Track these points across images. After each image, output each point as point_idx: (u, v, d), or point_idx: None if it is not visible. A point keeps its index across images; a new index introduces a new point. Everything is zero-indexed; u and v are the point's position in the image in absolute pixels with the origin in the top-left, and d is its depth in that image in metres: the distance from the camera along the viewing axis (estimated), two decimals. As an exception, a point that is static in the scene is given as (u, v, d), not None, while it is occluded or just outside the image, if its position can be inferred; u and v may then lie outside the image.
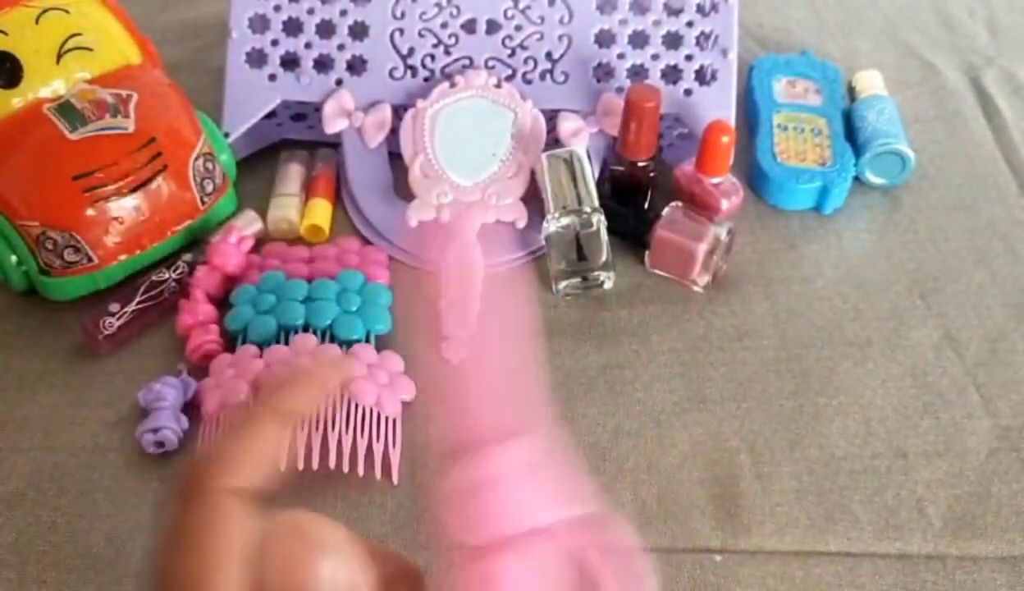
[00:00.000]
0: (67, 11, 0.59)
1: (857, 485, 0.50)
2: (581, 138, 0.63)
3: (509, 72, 0.65)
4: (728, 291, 0.60)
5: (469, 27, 0.65)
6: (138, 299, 0.56)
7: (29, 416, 0.53)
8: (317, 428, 0.49)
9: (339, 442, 0.49)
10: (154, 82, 0.61)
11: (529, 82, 0.65)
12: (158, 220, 0.58)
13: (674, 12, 0.64)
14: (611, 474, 0.50)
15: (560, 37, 0.64)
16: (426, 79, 0.65)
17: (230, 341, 0.55)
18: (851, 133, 0.67)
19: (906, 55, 0.78)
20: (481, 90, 0.63)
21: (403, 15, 0.65)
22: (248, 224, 0.62)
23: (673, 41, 0.65)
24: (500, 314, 0.32)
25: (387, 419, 0.51)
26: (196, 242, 0.60)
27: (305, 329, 0.55)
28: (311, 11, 0.65)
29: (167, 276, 0.58)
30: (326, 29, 0.65)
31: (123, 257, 0.57)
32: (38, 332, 0.57)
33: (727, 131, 0.59)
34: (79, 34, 0.59)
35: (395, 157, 0.65)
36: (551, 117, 0.64)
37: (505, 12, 0.64)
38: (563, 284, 0.59)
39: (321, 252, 0.61)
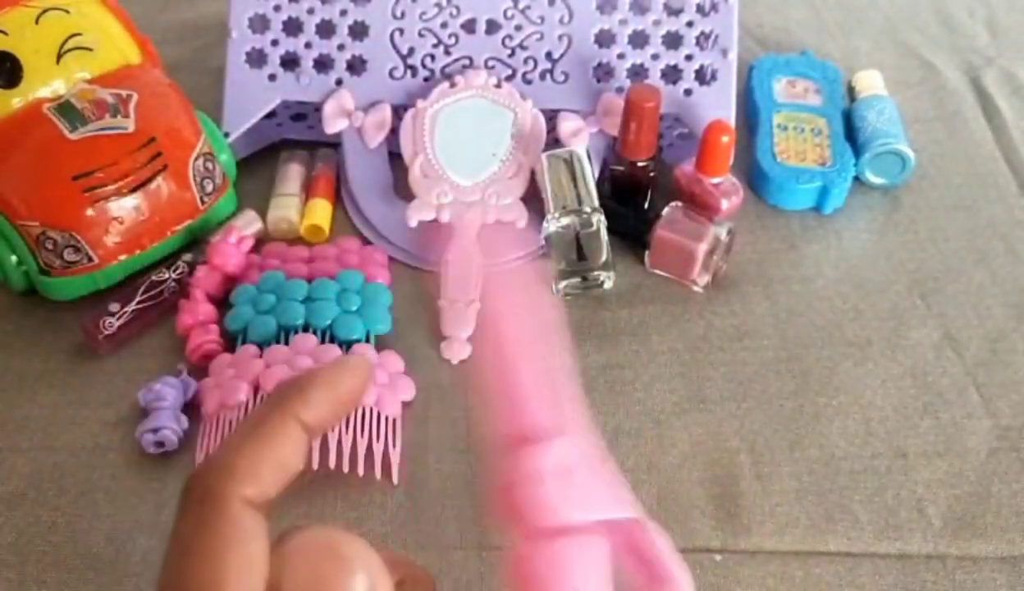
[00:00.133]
0: (67, 11, 0.59)
1: (857, 485, 0.50)
2: (581, 138, 0.63)
3: (509, 72, 0.65)
4: (728, 291, 0.60)
5: (469, 27, 0.65)
6: (138, 299, 0.56)
7: (29, 416, 0.53)
8: (317, 428, 0.49)
9: (339, 442, 0.49)
10: (154, 82, 0.61)
11: (529, 82, 0.65)
12: (158, 220, 0.58)
13: (674, 12, 0.64)
14: (611, 474, 0.50)
15: (560, 37, 0.64)
16: (426, 79, 0.65)
17: (230, 341, 0.55)
18: (851, 133, 0.67)
19: (906, 55, 0.78)
20: (481, 90, 0.63)
21: (403, 15, 0.65)
22: (248, 224, 0.62)
23: (673, 41, 0.65)
24: (531, 309, 0.33)
25: (387, 419, 0.51)
26: (196, 242, 0.60)
27: (305, 329, 0.55)
28: (311, 11, 0.65)
29: (167, 276, 0.58)
30: (326, 29, 0.65)
31: (123, 257, 0.57)
32: (38, 332, 0.57)
33: (727, 131, 0.59)
34: (79, 34, 0.59)
35: (395, 157, 0.65)
36: (551, 117, 0.64)
37: (505, 12, 0.64)
38: (563, 284, 0.59)
39: (321, 252, 0.61)
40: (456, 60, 0.65)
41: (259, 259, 0.60)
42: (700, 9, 0.64)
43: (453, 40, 0.65)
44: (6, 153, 0.55)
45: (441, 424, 0.53)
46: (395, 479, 0.50)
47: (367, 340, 0.55)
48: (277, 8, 0.65)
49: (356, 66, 0.65)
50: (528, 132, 0.63)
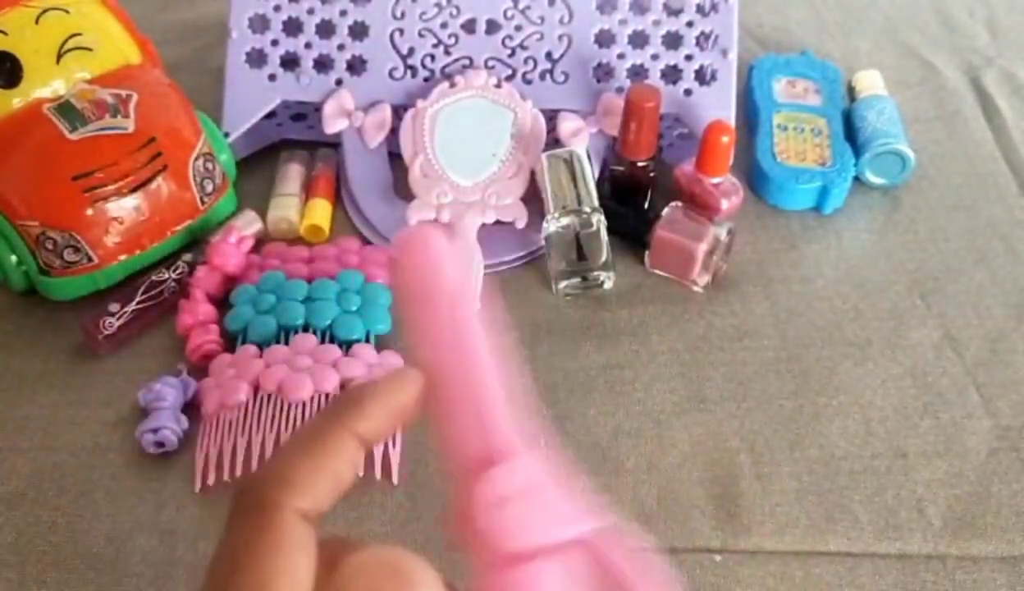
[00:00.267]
0: (67, 11, 0.59)
1: (857, 485, 0.50)
2: (581, 138, 0.63)
3: (509, 72, 0.65)
4: (728, 291, 0.60)
5: (469, 27, 0.65)
6: (138, 299, 0.56)
7: (29, 416, 0.53)
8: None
9: (339, 442, 0.49)
10: (154, 82, 0.61)
11: (529, 82, 0.65)
12: (158, 220, 0.58)
13: (674, 12, 0.64)
14: (611, 474, 0.50)
15: (560, 37, 0.64)
16: (426, 79, 0.65)
17: (230, 341, 0.55)
18: (851, 133, 0.67)
19: (906, 55, 0.78)
20: (481, 90, 0.63)
21: (403, 15, 0.65)
22: (248, 224, 0.62)
23: (673, 41, 0.65)
24: (482, 331, 0.31)
25: (387, 419, 0.51)
26: (196, 242, 0.60)
27: (305, 329, 0.55)
28: (311, 11, 0.65)
29: (167, 276, 0.58)
30: (326, 29, 0.65)
31: (123, 257, 0.57)
32: (38, 332, 0.57)
33: (727, 131, 0.59)
34: (79, 34, 0.59)
35: (395, 157, 0.65)
36: (551, 117, 0.64)
37: (505, 12, 0.64)
38: (563, 284, 0.59)
39: (321, 252, 0.61)
40: (456, 60, 0.65)
41: (259, 259, 0.60)
42: (700, 9, 0.64)
43: (453, 40, 0.65)
44: (6, 153, 0.55)
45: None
46: (395, 479, 0.50)
47: (367, 340, 0.55)
48: (277, 8, 0.65)
49: (356, 66, 0.65)
50: (528, 132, 0.63)
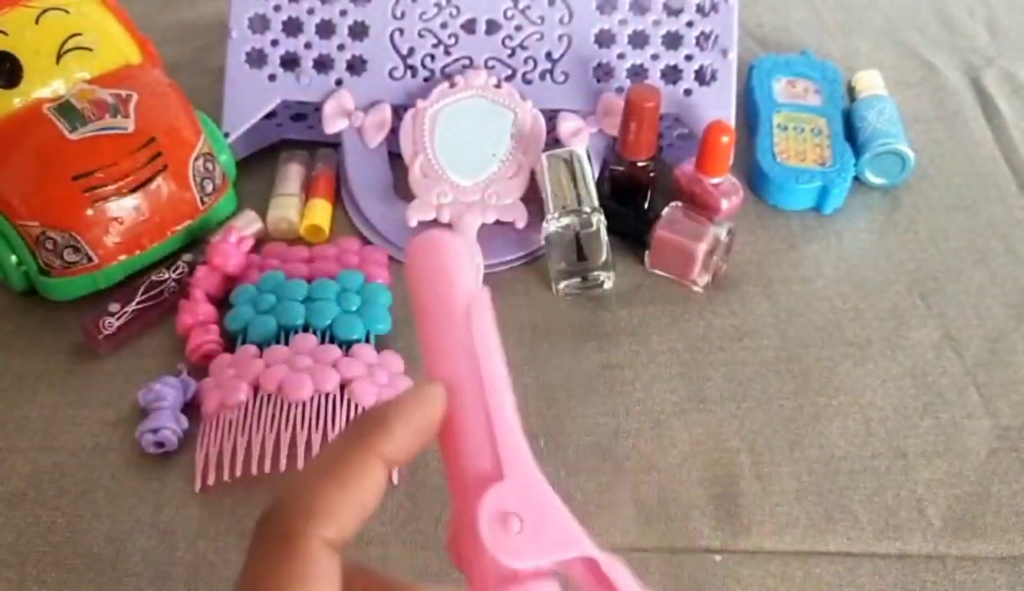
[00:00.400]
0: (67, 11, 0.59)
1: (857, 485, 0.50)
2: (581, 138, 0.63)
3: (509, 72, 0.65)
4: (728, 291, 0.60)
5: (469, 27, 0.65)
6: (138, 299, 0.56)
7: (29, 416, 0.53)
8: (317, 428, 0.49)
9: (339, 442, 0.49)
10: (154, 82, 0.61)
11: (529, 82, 0.65)
12: (158, 220, 0.58)
13: (674, 12, 0.64)
14: (611, 474, 0.50)
15: (560, 37, 0.64)
16: (426, 79, 0.65)
17: (230, 341, 0.55)
18: (851, 133, 0.67)
19: (906, 55, 0.78)
20: (481, 90, 0.63)
21: (403, 15, 0.65)
22: (248, 224, 0.62)
23: (673, 41, 0.65)
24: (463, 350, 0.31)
25: (387, 419, 0.51)
26: (196, 242, 0.60)
27: (305, 329, 0.55)
28: (311, 11, 0.65)
29: (167, 276, 0.58)
30: (326, 29, 0.65)
31: (123, 257, 0.57)
32: (38, 332, 0.57)
33: (727, 131, 0.59)
34: (79, 34, 0.59)
35: (395, 157, 0.65)
36: (551, 117, 0.64)
37: (505, 12, 0.64)
38: (563, 284, 0.59)
39: (321, 252, 0.61)
40: (456, 60, 0.65)
41: (259, 259, 0.60)
42: (700, 9, 0.64)
43: (453, 40, 0.65)
44: (6, 153, 0.55)
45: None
46: (395, 479, 0.50)
47: (367, 340, 0.55)
48: (277, 8, 0.65)
49: (356, 66, 0.65)
50: (528, 132, 0.63)
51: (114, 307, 0.56)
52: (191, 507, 0.49)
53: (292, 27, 0.65)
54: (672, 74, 0.65)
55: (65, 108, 0.56)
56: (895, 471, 0.51)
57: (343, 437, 0.26)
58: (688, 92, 0.64)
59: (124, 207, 0.56)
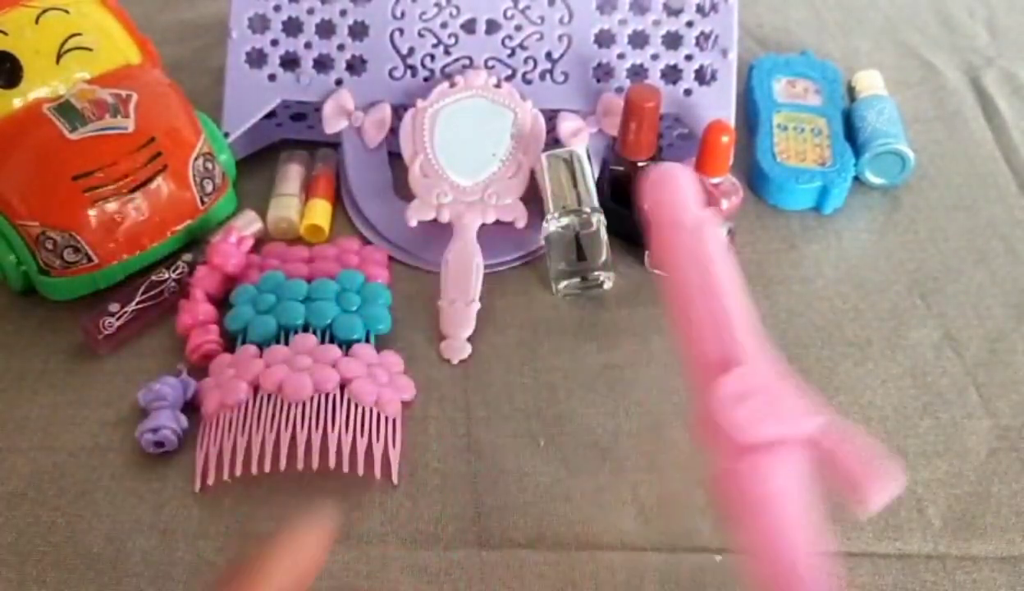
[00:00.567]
0: (67, 11, 0.59)
1: (857, 485, 0.50)
2: (581, 138, 0.63)
3: (509, 72, 0.65)
4: (728, 291, 0.60)
5: (469, 27, 0.65)
6: (138, 299, 0.56)
7: (29, 416, 0.53)
8: (317, 428, 0.49)
9: (339, 442, 0.49)
10: (154, 82, 0.61)
11: (529, 82, 0.65)
12: (158, 220, 0.58)
13: (674, 12, 0.64)
14: (611, 474, 0.50)
15: (560, 37, 0.64)
16: (426, 79, 0.65)
17: (230, 341, 0.55)
18: (851, 133, 0.67)
19: (906, 55, 0.78)
20: (481, 90, 0.63)
21: (403, 15, 0.65)
22: (248, 224, 0.62)
23: (673, 41, 0.65)
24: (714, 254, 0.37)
25: (387, 419, 0.51)
26: (196, 242, 0.60)
27: (305, 329, 0.55)
28: (311, 11, 0.65)
29: (167, 276, 0.58)
30: (326, 29, 0.65)
31: (123, 257, 0.57)
32: (38, 332, 0.57)
33: (727, 131, 0.59)
34: (79, 34, 0.59)
35: (395, 157, 0.65)
36: (551, 117, 0.64)
37: (505, 12, 0.64)
38: (563, 284, 0.59)
39: (321, 252, 0.61)
40: (456, 60, 0.65)
41: (259, 259, 0.60)
42: (700, 9, 0.64)
43: (453, 40, 0.65)
44: (6, 153, 0.55)
45: (441, 424, 0.53)
46: (395, 479, 0.50)
47: (367, 340, 0.55)
48: (277, 8, 0.65)
49: (356, 66, 0.65)
50: (528, 132, 0.63)
51: (114, 307, 0.56)
52: (191, 507, 0.49)
53: (292, 27, 0.65)
54: (672, 74, 0.65)
55: (65, 108, 0.56)
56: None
57: (222, 585, 0.27)
58: (688, 92, 0.64)
59: (124, 207, 0.56)
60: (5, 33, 0.57)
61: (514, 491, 0.50)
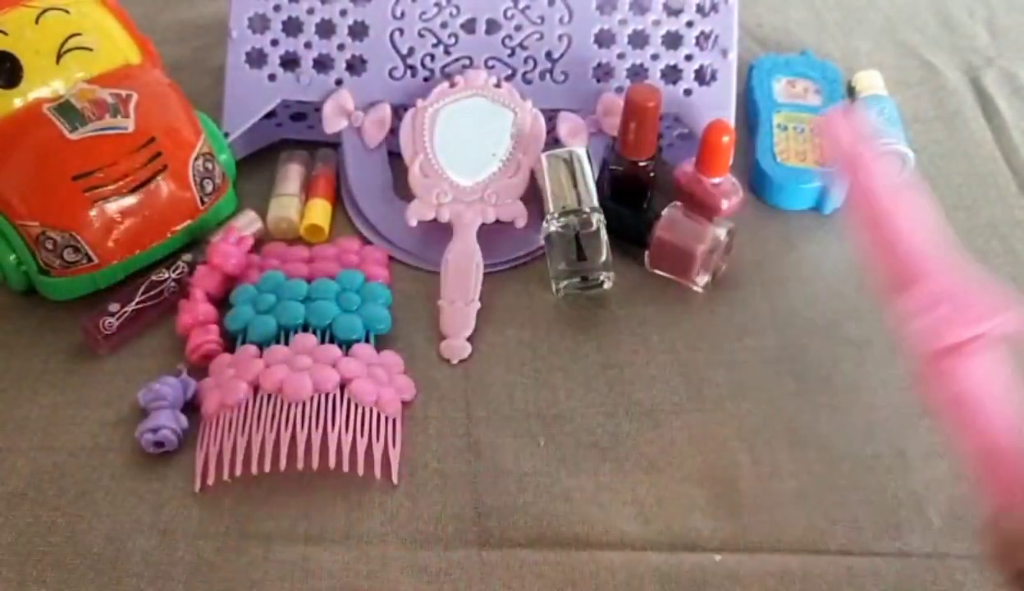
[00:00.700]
0: (67, 11, 0.59)
1: (857, 485, 0.50)
2: (581, 138, 0.63)
3: (509, 72, 0.65)
4: (728, 291, 0.60)
5: (469, 27, 0.65)
6: (138, 299, 0.56)
7: (29, 416, 0.53)
8: (317, 427, 0.49)
9: (339, 442, 0.49)
10: (154, 82, 0.61)
11: (529, 82, 0.65)
12: (158, 220, 0.58)
13: (674, 12, 0.64)
14: (611, 474, 0.50)
15: (560, 37, 0.64)
16: (426, 79, 0.65)
17: (230, 341, 0.55)
18: (851, 133, 0.67)
19: (906, 55, 0.78)
20: (481, 90, 0.63)
21: (403, 15, 0.65)
22: (248, 224, 0.62)
23: (673, 41, 0.65)
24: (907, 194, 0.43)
25: (387, 419, 0.51)
26: (196, 242, 0.60)
27: (305, 329, 0.55)
28: (311, 11, 0.65)
29: (167, 276, 0.58)
30: (326, 29, 0.65)
31: (123, 257, 0.57)
32: (38, 332, 0.57)
33: (727, 131, 0.59)
34: (79, 34, 0.59)
35: (395, 157, 0.65)
36: (551, 117, 0.64)
37: (505, 12, 0.64)
38: (563, 284, 0.59)
39: (321, 252, 0.61)
40: (456, 60, 0.65)
41: (259, 259, 0.60)
42: (700, 9, 0.64)
43: (453, 40, 0.65)
44: (6, 153, 0.55)
45: (441, 424, 0.53)
46: (395, 479, 0.50)
47: (367, 340, 0.55)
48: (277, 8, 0.65)
49: (356, 66, 0.65)
50: (528, 132, 0.63)
51: (114, 307, 0.56)
52: (191, 507, 0.49)
53: (292, 27, 0.65)
54: (672, 74, 0.65)
55: (65, 108, 0.56)
56: (895, 471, 0.51)
57: None
58: (688, 92, 0.64)
59: (124, 207, 0.56)
60: (5, 33, 0.57)
61: (514, 491, 0.50)
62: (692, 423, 0.53)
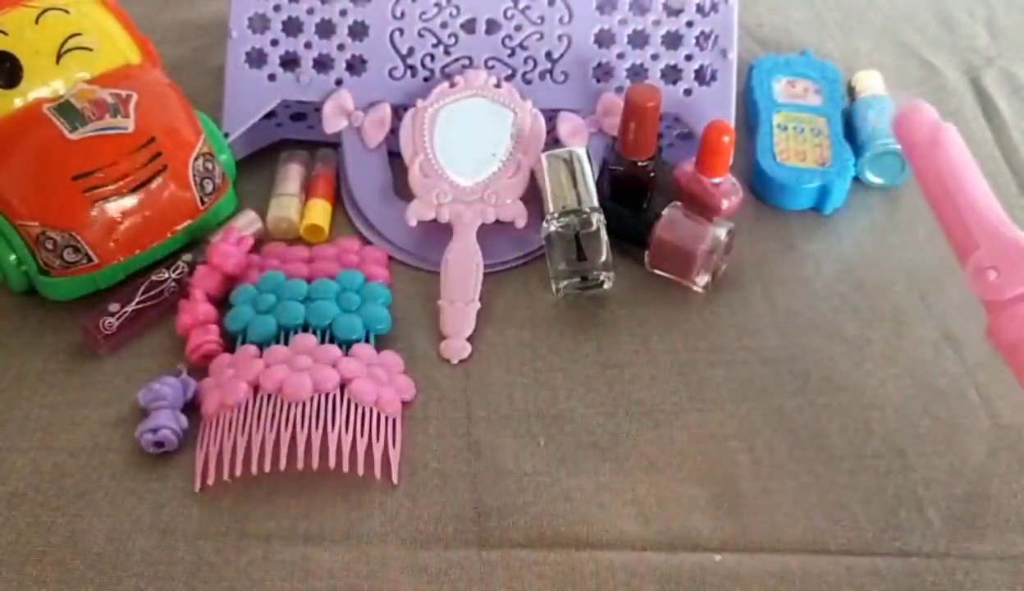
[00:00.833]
0: (67, 11, 0.59)
1: (857, 485, 0.50)
2: (581, 138, 0.63)
3: (509, 72, 0.65)
4: (728, 291, 0.60)
5: (469, 27, 0.65)
6: (138, 299, 0.56)
7: (29, 416, 0.53)
8: (317, 428, 0.49)
9: (339, 442, 0.49)
10: (154, 82, 0.61)
11: (529, 82, 0.65)
12: (158, 220, 0.58)
13: (674, 12, 0.64)
14: (611, 474, 0.50)
15: (560, 37, 0.64)
16: (426, 79, 0.65)
17: (230, 341, 0.55)
18: (851, 133, 0.67)
19: (906, 55, 0.78)
20: (481, 90, 0.63)
21: (403, 15, 0.65)
22: (248, 224, 0.62)
23: (673, 41, 0.65)
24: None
25: (387, 419, 0.51)
26: (196, 242, 0.60)
27: (305, 329, 0.55)
28: (311, 11, 0.65)
29: (167, 276, 0.58)
30: (326, 29, 0.65)
31: (123, 257, 0.57)
32: (38, 332, 0.57)
33: (727, 131, 0.59)
34: (79, 34, 0.59)
35: (395, 157, 0.65)
36: (551, 117, 0.64)
37: (505, 12, 0.64)
38: (563, 284, 0.59)
39: (321, 252, 0.61)
40: (456, 60, 0.65)
41: (259, 259, 0.60)
42: (700, 9, 0.64)
43: (453, 40, 0.65)
44: (6, 153, 0.55)
45: (441, 424, 0.53)
46: (395, 479, 0.50)
47: (367, 339, 0.55)
48: (277, 8, 0.65)
49: (356, 66, 0.65)
50: (528, 132, 0.63)
51: (114, 307, 0.56)
52: (191, 507, 0.49)
53: (292, 27, 0.65)
54: (672, 74, 0.65)
55: (65, 108, 0.56)
56: (895, 471, 0.51)
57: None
58: (688, 92, 0.64)
59: (124, 207, 0.56)
60: (5, 33, 0.57)
61: (514, 491, 0.50)
62: (692, 423, 0.53)
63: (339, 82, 0.65)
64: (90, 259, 0.56)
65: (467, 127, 0.63)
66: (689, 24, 0.64)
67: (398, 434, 0.51)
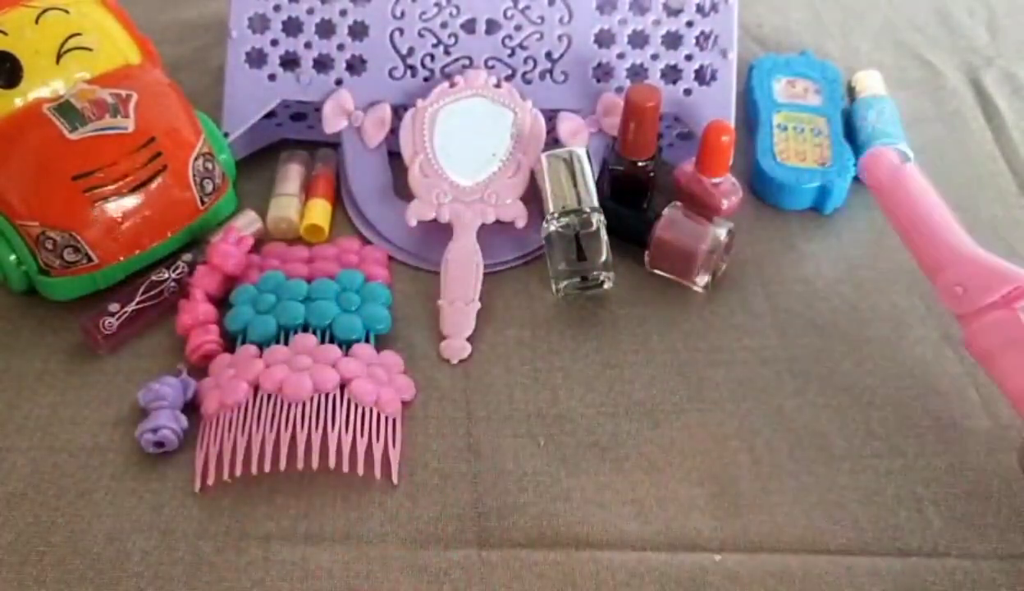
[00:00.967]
0: (67, 11, 0.59)
1: (857, 485, 0.50)
2: (581, 138, 0.63)
3: (509, 72, 0.65)
4: (728, 291, 0.60)
5: (469, 27, 0.65)
6: (138, 299, 0.56)
7: (29, 416, 0.53)
8: (317, 428, 0.49)
9: (339, 442, 0.49)
10: (154, 82, 0.61)
11: (529, 82, 0.65)
12: (158, 220, 0.58)
13: (674, 12, 0.64)
14: (611, 474, 0.50)
15: (560, 37, 0.64)
16: (426, 79, 0.65)
17: (230, 341, 0.55)
18: (851, 133, 0.67)
19: (906, 55, 0.78)
20: (481, 90, 0.63)
21: (403, 15, 0.65)
22: (248, 224, 0.62)
23: (673, 41, 0.65)
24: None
25: (387, 419, 0.51)
26: (196, 242, 0.60)
27: (305, 329, 0.55)
28: (311, 11, 0.65)
29: (167, 276, 0.58)
30: (326, 29, 0.65)
31: (123, 257, 0.57)
32: (38, 332, 0.57)
33: (727, 131, 0.59)
34: (79, 34, 0.59)
35: (395, 157, 0.65)
36: (551, 117, 0.64)
37: (505, 12, 0.64)
38: (563, 284, 0.59)
39: (321, 252, 0.61)
40: (456, 60, 0.65)
41: (259, 259, 0.60)
42: (700, 9, 0.64)
43: (453, 40, 0.65)
44: (6, 153, 0.55)
45: (441, 424, 0.53)
46: (395, 479, 0.50)
47: (367, 340, 0.55)
48: (277, 8, 0.65)
49: (356, 66, 0.65)
50: (528, 132, 0.63)
51: (114, 307, 0.56)
52: (191, 507, 0.49)
53: (292, 27, 0.65)
54: (672, 74, 0.65)
55: (65, 108, 0.56)
56: (895, 471, 0.51)
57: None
58: (688, 92, 0.64)
59: (124, 207, 0.56)
60: (5, 33, 0.57)
61: (514, 491, 0.50)
62: (692, 423, 0.53)
63: (339, 82, 0.65)
64: (90, 259, 0.56)
65: (467, 127, 0.63)
66: (689, 24, 0.64)
67: (398, 434, 0.51)
